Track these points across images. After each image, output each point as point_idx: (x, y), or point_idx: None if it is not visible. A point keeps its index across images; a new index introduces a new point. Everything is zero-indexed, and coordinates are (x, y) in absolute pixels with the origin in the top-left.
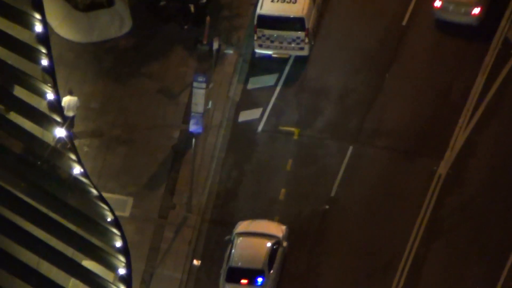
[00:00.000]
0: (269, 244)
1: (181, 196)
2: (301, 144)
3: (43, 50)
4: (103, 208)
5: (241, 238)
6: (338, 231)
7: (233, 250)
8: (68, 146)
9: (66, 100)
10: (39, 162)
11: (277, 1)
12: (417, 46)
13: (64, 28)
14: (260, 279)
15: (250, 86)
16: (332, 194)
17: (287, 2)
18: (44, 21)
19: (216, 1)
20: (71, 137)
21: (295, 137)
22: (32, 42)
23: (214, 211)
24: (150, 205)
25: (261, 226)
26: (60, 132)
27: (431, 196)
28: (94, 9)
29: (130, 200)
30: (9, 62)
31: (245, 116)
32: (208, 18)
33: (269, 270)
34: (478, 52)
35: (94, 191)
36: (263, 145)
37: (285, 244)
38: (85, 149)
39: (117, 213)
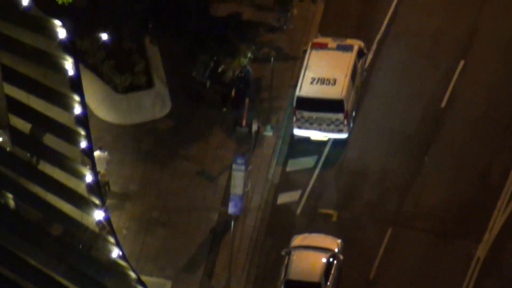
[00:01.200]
0: (325, 258)
1: (219, 279)
2: (340, 227)
3: (82, 132)
4: None
5: (297, 252)
6: None
7: (290, 263)
8: (107, 229)
9: (96, 155)
10: (78, 245)
11: (316, 83)
12: (456, 128)
13: (103, 110)
14: None
15: (289, 168)
16: (371, 277)
17: (326, 84)
18: (83, 103)
19: (255, 83)
20: (109, 220)
21: (334, 219)
22: (71, 124)
23: None
24: None
25: (317, 240)
26: (99, 214)
27: (469, 279)
28: (134, 91)
29: (168, 284)
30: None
31: (284, 198)
32: (247, 100)
33: (326, 283)
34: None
35: (133, 274)
36: (302, 228)
37: (340, 257)
38: (124, 232)
39: None
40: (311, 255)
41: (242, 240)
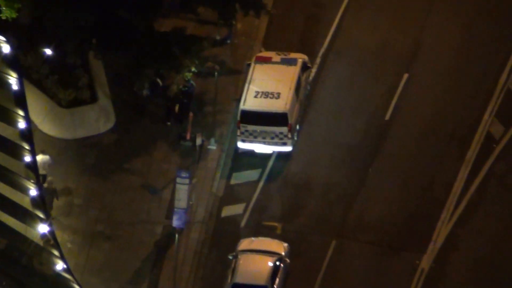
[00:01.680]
0: (271, 261)
1: None
2: (284, 239)
3: (27, 147)
4: None
5: (244, 255)
6: None
7: (236, 267)
8: (51, 242)
9: (39, 159)
10: (22, 258)
11: (260, 96)
12: (400, 140)
13: (47, 124)
14: None
15: (233, 181)
16: None
17: (270, 98)
18: (27, 118)
19: (199, 97)
20: (53, 233)
21: (278, 231)
22: (15, 138)
23: None
24: None
25: (263, 243)
26: (43, 228)
27: None
28: (78, 106)
29: None
30: None
31: (228, 211)
32: (191, 114)
33: (272, 286)
34: (461, 146)
35: (77, 287)
36: None
37: (287, 260)
38: (68, 245)
39: None
40: (258, 258)
41: (186, 253)
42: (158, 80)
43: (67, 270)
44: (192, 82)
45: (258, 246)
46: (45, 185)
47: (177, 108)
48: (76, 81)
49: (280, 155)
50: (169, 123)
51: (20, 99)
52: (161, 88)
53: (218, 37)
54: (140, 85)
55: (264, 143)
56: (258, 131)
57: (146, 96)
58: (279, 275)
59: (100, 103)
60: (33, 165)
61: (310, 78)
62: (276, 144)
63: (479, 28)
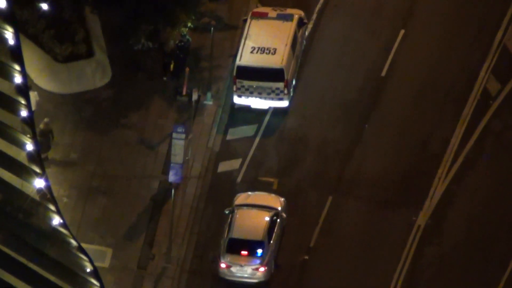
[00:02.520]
0: (268, 216)
1: (160, 246)
2: (281, 195)
3: (23, 101)
4: (83, 259)
5: (240, 210)
6: (317, 282)
7: (233, 222)
8: (48, 197)
9: None
10: (18, 213)
11: (256, 52)
12: (396, 97)
13: (44, 79)
14: (260, 250)
15: (229, 137)
16: (312, 244)
17: (266, 53)
18: (23, 72)
19: (195, 52)
20: (50, 188)
21: (274, 187)
22: (11, 93)
23: (194, 261)
24: (129, 256)
25: (260, 198)
26: (39, 183)
27: (410, 246)
28: (74, 60)
29: (109, 251)
30: None
31: (224, 166)
32: (187, 69)
33: (269, 242)
34: (458, 103)
35: (74, 242)
36: None
37: (284, 215)
38: (65, 200)
39: (97, 264)
40: (254, 213)
41: (182, 208)
42: (156, 35)
43: (63, 224)
44: (188, 37)
45: (255, 201)
46: (41, 126)
47: (172, 63)
48: (73, 36)
49: (276, 110)
50: (165, 78)
51: (16, 54)
52: (159, 44)
53: None
54: (136, 40)
55: (260, 98)
56: (254, 86)
57: (148, 48)
58: (275, 230)
59: (97, 58)
60: (29, 120)
61: (306, 33)
62: (272, 99)
63: None
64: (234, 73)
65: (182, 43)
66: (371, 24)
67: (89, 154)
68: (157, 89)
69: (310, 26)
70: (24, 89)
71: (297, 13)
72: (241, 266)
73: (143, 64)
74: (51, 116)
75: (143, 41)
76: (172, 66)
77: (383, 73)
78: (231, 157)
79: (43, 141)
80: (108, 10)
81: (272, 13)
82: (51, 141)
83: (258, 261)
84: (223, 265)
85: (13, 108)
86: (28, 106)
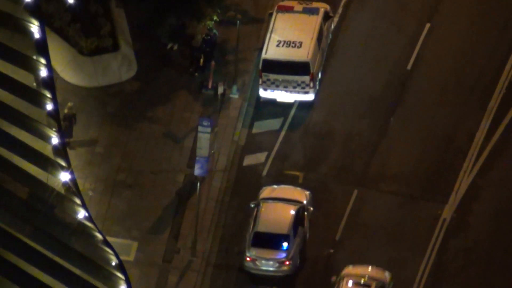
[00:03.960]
0: (294, 210)
1: (185, 240)
2: (306, 188)
3: (48, 95)
4: (108, 252)
5: (266, 204)
6: None
7: (258, 215)
8: (73, 190)
9: None
10: (43, 207)
11: (282, 46)
12: (421, 90)
13: (69, 72)
14: (285, 244)
15: (255, 130)
16: (337, 237)
17: (292, 47)
18: (49, 66)
19: (221, 46)
20: (75, 181)
21: (300, 181)
22: (37, 86)
23: (219, 255)
24: (154, 250)
25: (286, 192)
26: (65, 176)
27: (435, 240)
28: (100, 54)
29: (134, 245)
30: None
31: (250, 160)
32: (213, 63)
33: (294, 235)
34: (483, 96)
35: (99, 236)
36: None
37: (310, 209)
38: (90, 193)
39: (122, 257)
40: (279, 207)
41: (208, 202)
42: (183, 29)
43: (89, 218)
44: (215, 30)
45: (280, 194)
46: (65, 110)
47: (201, 60)
48: (98, 29)
49: (302, 104)
50: (197, 74)
51: (41, 47)
52: (185, 38)
53: None
54: (162, 34)
55: (286, 91)
56: (280, 80)
57: (173, 46)
58: (305, 224)
59: (122, 51)
60: (55, 113)
61: (332, 27)
62: (298, 93)
63: None
64: (260, 67)
65: (209, 37)
66: (397, 18)
67: (115, 147)
68: (183, 82)
69: (336, 19)
70: (49, 83)
71: (323, 6)
72: (267, 259)
73: (169, 58)
74: (77, 110)
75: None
76: (202, 60)
77: (409, 67)
78: (257, 151)
79: (66, 126)
80: (134, 3)
81: (298, 6)
82: (74, 125)
83: (283, 255)
84: (248, 259)
85: (38, 101)
86: (54, 99)
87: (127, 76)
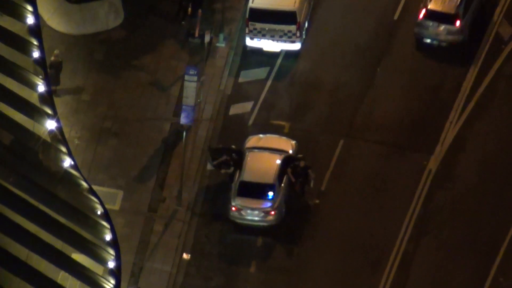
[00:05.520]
0: (279, 159)
1: (171, 189)
2: (292, 138)
3: (35, 42)
4: (93, 201)
5: (252, 153)
6: (328, 226)
7: (244, 165)
8: (59, 138)
9: None
10: (29, 154)
11: None
12: (408, 41)
13: (56, 20)
14: (271, 193)
15: (241, 79)
16: (323, 188)
17: None
18: (36, 13)
19: None
20: (61, 129)
21: (286, 131)
22: (23, 34)
23: (204, 204)
24: (140, 198)
25: (271, 141)
26: (51, 124)
27: (421, 191)
28: (87, 1)
29: (120, 193)
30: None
31: (236, 109)
32: (200, 11)
33: (280, 185)
34: (470, 47)
35: (84, 184)
36: None
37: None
38: (76, 142)
39: (107, 206)
40: (265, 156)
41: (194, 151)
42: None
43: (74, 166)
44: None
45: (266, 144)
46: (52, 58)
47: (189, 10)
48: None
49: (288, 53)
50: (183, 23)
51: None
52: None
53: None
54: None
55: (273, 40)
56: (267, 29)
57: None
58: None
59: None
60: (41, 61)
61: None
62: (284, 42)
63: None
64: (247, 16)
65: None
66: None
67: (101, 96)
68: (170, 31)
69: None
70: (36, 30)
71: None
72: (252, 209)
73: (156, 6)
74: (63, 58)
75: None
76: (190, 9)
77: (396, 17)
78: (243, 100)
79: (52, 73)
80: None
81: None
82: (60, 74)
83: (269, 204)
84: (233, 208)
85: (25, 49)
86: (40, 47)
87: (114, 24)
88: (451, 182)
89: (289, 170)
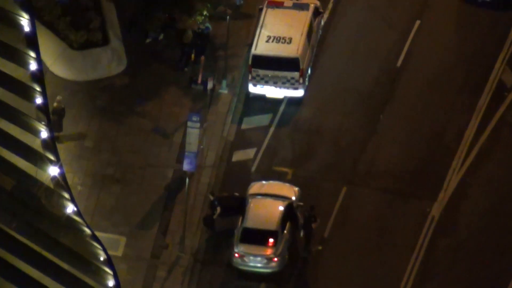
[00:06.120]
0: (282, 206)
1: (174, 236)
2: (295, 185)
3: (38, 88)
4: (96, 247)
5: (255, 199)
6: (331, 273)
7: (247, 211)
8: (62, 184)
9: None
10: (32, 201)
11: (272, 41)
12: (411, 87)
13: (59, 66)
14: (273, 240)
15: (244, 126)
16: (325, 234)
17: (282, 42)
18: (39, 59)
19: (211, 41)
20: (64, 175)
21: (289, 177)
22: (26, 80)
23: (207, 251)
24: (143, 245)
25: (274, 188)
26: (53, 170)
27: (424, 238)
28: (89, 48)
29: (123, 240)
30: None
31: (239, 156)
32: (202, 58)
33: (283, 231)
34: (472, 94)
35: (87, 230)
36: None
37: (301, 204)
38: (79, 188)
39: (110, 252)
40: (268, 203)
41: (196, 197)
42: (172, 24)
43: (77, 212)
44: (208, 24)
45: (269, 190)
46: (55, 104)
47: (193, 56)
48: (88, 23)
49: (291, 100)
50: (186, 69)
51: (31, 41)
52: (176, 32)
53: None
54: (151, 28)
55: (276, 87)
56: (270, 75)
57: (160, 40)
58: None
59: (112, 46)
60: (44, 107)
61: (322, 23)
62: (287, 88)
63: None
64: (250, 62)
65: (201, 30)
66: (387, 14)
67: (104, 142)
68: (173, 77)
69: (326, 15)
70: (39, 76)
71: (313, 2)
72: (255, 256)
73: (158, 52)
74: (66, 104)
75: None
76: (193, 56)
77: (399, 64)
78: (246, 147)
79: (55, 119)
80: None
81: (288, 2)
82: (62, 120)
83: (271, 251)
84: (236, 255)
85: (28, 95)
86: (43, 93)
87: (117, 70)
88: (454, 229)
89: (299, 214)
